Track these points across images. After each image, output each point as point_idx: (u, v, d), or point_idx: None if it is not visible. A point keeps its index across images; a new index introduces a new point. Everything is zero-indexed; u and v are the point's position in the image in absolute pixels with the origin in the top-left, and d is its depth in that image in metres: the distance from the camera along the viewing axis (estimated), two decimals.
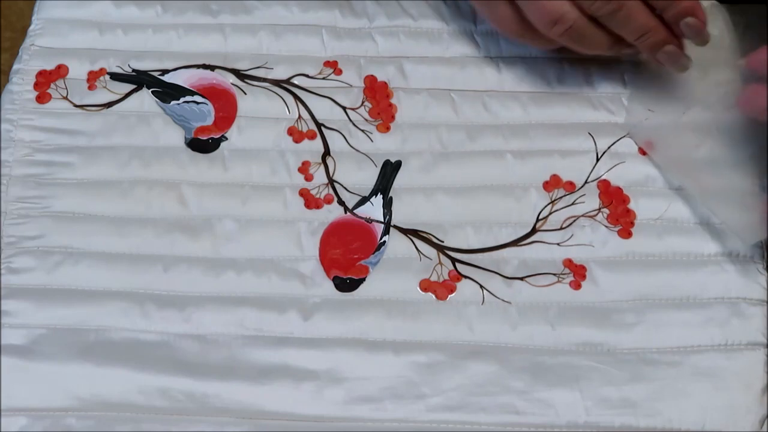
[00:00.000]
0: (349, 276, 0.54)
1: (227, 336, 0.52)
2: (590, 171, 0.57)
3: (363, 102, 0.60)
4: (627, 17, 0.55)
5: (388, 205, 0.56)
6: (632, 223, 0.55)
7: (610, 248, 0.55)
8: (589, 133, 0.58)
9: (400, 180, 0.57)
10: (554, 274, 0.54)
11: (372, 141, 0.58)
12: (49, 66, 0.60)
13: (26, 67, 0.61)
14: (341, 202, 0.56)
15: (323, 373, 0.51)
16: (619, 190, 0.56)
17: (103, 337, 0.52)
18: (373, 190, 0.57)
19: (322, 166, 0.57)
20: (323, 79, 0.60)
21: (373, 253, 0.55)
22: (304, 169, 0.57)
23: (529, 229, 0.55)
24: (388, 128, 0.59)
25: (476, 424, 0.50)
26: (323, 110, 0.59)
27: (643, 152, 0.58)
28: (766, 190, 0.53)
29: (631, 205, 0.56)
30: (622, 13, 0.55)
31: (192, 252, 0.54)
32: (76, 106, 0.59)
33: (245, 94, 0.60)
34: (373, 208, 0.56)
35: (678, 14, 0.56)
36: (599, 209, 0.56)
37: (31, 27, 0.62)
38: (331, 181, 0.57)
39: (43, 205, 0.56)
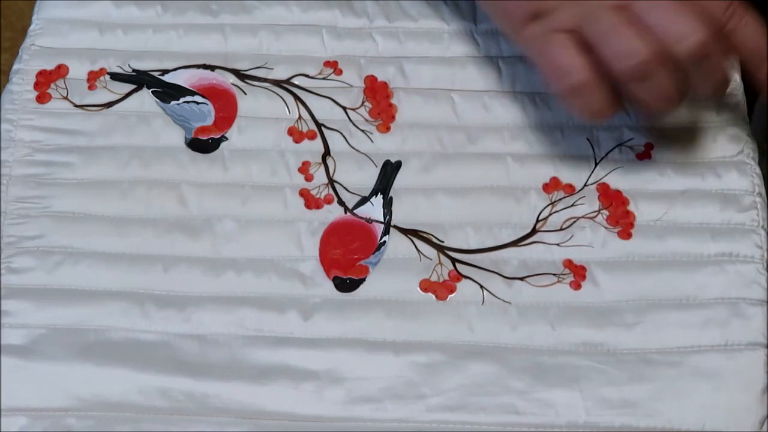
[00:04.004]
0: (349, 276, 0.54)
1: (227, 336, 0.52)
2: (589, 175, 0.57)
3: (363, 102, 0.60)
4: (651, 85, 0.51)
5: (388, 205, 0.56)
6: (632, 225, 0.55)
7: (610, 249, 0.55)
8: (587, 139, 0.58)
9: (400, 180, 0.57)
10: (554, 275, 0.54)
11: (372, 141, 0.58)
12: (49, 66, 0.60)
13: (26, 67, 0.60)
14: (341, 202, 0.56)
15: (323, 373, 0.51)
16: (618, 192, 0.56)
17: (103, 337, 0.52)
18: (373, 190, 0.57)
19: (322, 166, 0.57)
20: (323, 79, 0.60)
21: (373, 253, 0.55)
22: (304, 169, 0.57)
23: (529, 230, 0.55)
24: (388, 128, 0.59)
25: (476, 424, 0.50)
26: (323, 110, 0.59)
27: (640, 157, 0.58)
28: None
29: (631, 207, 0.56)
30: (648, 82, 0.51)
31: (192, 252, 0.54)
32: (76, 106, 0.59)
33: (245, 94, 0.60)
34: (373, 208, 0.56)
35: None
36: (599, 211, 0.56)
37: (31, 27, 0.62)
38: (331, 181, 0.57)
39: (43, 205, 0.56)
